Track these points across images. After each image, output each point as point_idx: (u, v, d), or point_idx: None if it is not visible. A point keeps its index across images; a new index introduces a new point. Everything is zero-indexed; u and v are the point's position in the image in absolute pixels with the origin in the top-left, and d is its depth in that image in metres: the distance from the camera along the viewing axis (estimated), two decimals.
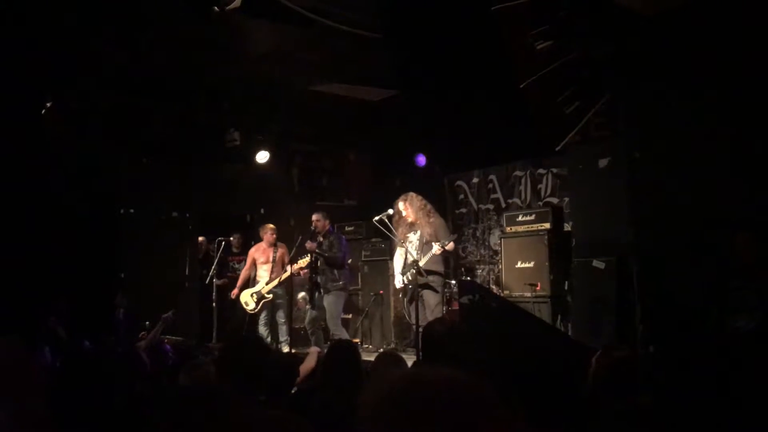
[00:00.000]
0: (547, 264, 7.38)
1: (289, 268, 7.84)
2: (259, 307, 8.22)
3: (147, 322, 6.52)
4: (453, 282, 7.96)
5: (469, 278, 8.72)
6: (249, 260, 8.45)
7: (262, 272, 8.32)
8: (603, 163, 6.72)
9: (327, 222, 7.83)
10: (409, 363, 4.42)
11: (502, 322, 5.13)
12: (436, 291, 6.73)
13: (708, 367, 3.99)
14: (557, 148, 7.09)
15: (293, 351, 7.19)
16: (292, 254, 7.78)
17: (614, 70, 6.41)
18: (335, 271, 7.70)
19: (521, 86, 6.59)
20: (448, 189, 9.88)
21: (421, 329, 6.19)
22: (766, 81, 5.34)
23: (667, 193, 6.00)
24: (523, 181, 8.90)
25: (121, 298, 7.49)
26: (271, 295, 8.17)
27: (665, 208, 5.99)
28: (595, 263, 6.59)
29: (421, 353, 4.80)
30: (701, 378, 3.57)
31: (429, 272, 6.68)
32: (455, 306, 7.42)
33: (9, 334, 2.12)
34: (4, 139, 7.00)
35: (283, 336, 8.08)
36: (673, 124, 6.01)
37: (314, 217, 7.77)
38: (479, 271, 9.19)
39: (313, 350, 5.22)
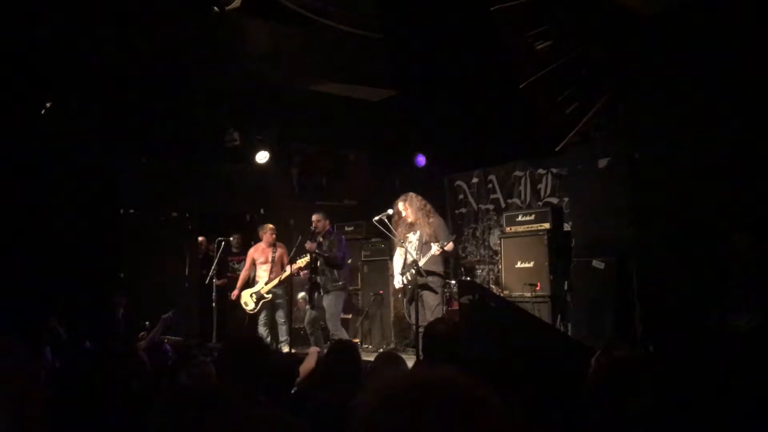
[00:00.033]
0: (546, 264, 7.38)
1: (288, 267, 7.84)
2: (258, 307, 8.22)
3: (147, 322, 6.53)
4: (453, 282, 7.96)
5: (468, 278, 8.72)
6: (248, 260, 8.46)
7: (261, 272, 8.32)
8: (603, 163, 6.72)
9: (327, 222, 7.83)
10: (409, 363, 4.43)
11: (502, 322, 5.13)
12: (435, 292, 6.72)
13: (708, 367, 3.99)
14: (557, 148, 7.09)
15: (293, 351, 7.19)
16: (291, 254, 7.78)
17: (614, 70, 6.42)
18: (335, 271, 7.70)
19: (521, 86, 6.60)
20: (447, 189, 9.89)
21: (420, 329, 6.22)
22: (766, 81, 5.34)
23: (666, 193, 6.01)
24: (522, 181, 8.91)
25: (120, 298, 7.49)
26: (270, 295, 8.17)
27: (665, 208, 6.00)
28: (595, 263, 6.59)
29: (422, 353, 4.80)
30: (701, 378, 3.57)
31: (428, 273, 6.67)
32: (455, 306, 7.42)
33: (10, 334, 2.12)
34: (4, 139, 7.00)
35: (283, 336, 8.08)
36: (673, 124, 6.02)
37: (314, 217, 7.77)
38: (479, 271, 9.19)
39: (313, 350, 5.22)
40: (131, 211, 8.59)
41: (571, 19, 6.28)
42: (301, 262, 7.80)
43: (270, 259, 8.26)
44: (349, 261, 8.28)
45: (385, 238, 7.79)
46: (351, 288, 8.64)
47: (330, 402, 2.95)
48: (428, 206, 7.00)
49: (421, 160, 9.51)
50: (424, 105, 8.35)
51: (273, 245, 8.31)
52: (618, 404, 2.35)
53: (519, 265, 7.69)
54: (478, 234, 9.43)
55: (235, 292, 8.36)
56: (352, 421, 1.02)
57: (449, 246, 6.70)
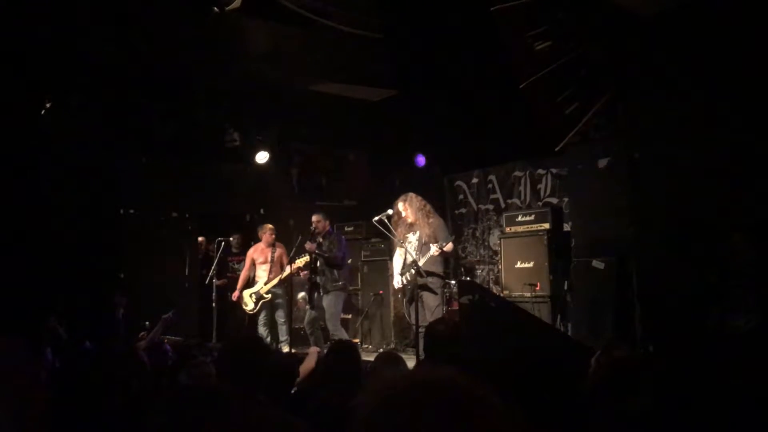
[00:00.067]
0: (546, 264, 7.38)
1: (287, 267, 7.84)
2: (257, 307, 8.22)
3: (147, 322, 6.52)
4: (453, 282, 7.96)
5: (468, 278, 8.72)
6: (248, 261, 8.45)
7: (260, 272, 8.32)
8: (602, 163, 6.72)
9: (327, 223, 7.83)
10: (409, 363, 4.43)
11: (502, 322, 5.13)
12: (434, 293, 6.70)
13: (707, 367, 3.99)
14: (557, 149, 7.09)
15: (293, 351, 7.19)
16: (291, 254, 7.78)
17: (614, 70, 6.42)
18: (335, 272, 7.69)
19: (521, 86, 6.60)
20: (447, 189, 9.88)
21: (421, 330, 6.22)
22: (766, 81, 5.34)
23: (666, 193, 6.01)
24: (522, 181, 8.90)
25: (120, 298, 7.49)
26: (269, 295, 8.17)
27: (665, 208, 6.00)
28: (595, 263, 6.59)
29: (423, 353, 4.81)
30: (701, 378, 3.57)
31: (428, 273, 6.67)
32: (455, 306, 7.42)
33: (10, 335, 2.12)
34: (4, 139, 7.00)
35: (283, 336, 8.08)
36: (673, 124, 6.02)
37: (314, 218, 7.77)
38: (479, 272, 9.19)
39: (313, 350, 5.22)
40: (131, 211, 8.59)
41: (571, 19, 6.28)
42: (300, 261, 7.80)
43: (269, 259, 8.26)
44: (349, 261, 8.28)
45: (385, 238, 7.79)
46: (351, 288, 8.64)
47: (330, 402, 2.95)
48: (428, 206, 7.00)
49: (421, 160, 9.51)
50: (424, 105, 8.35)
51: (272, 245, 8.31)
52: (618, 404, 2.35)
53: (519, 265, 7.69)
54: (477, 234, 9.43)
55: (236, 293, 8.36)
56: (352, 421, 1.02)
57: (448, 247, 6.69)
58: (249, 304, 8.25)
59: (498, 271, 8.31)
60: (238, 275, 8.67)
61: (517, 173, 8.96)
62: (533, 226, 7.77)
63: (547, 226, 7.63)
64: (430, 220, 6.89)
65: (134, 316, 7.31)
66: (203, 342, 7.67)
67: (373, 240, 9.10)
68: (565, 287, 7.20)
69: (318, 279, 7.75)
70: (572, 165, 7.27)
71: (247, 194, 9.72)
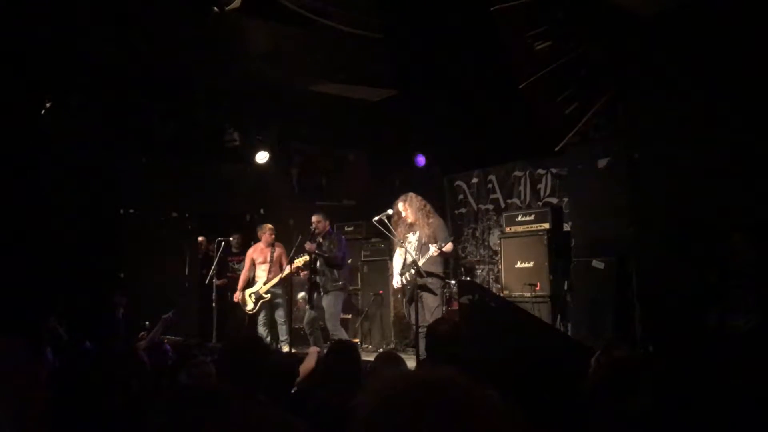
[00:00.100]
0: (546, 264, 7.38)
1: (286, 267, 7.84)
2: (257, 307, 8.22)
3: (147, 322, 6.52)
4: (453, 282, 7.96)
5: (468, 278, 8.72)
6: (248, 261, 8.44)
7: (260, 272, 8.32)
8: (602, 163, 6.72)
9: (327, 223, 7.83)
10: (409, 363, 4.43)
11: (502, 322, 5.13)
12: (434, 293, 6.68)
13: (707, 367, 3.99)
14: (556, 149, 7.09)
15: (293, 351, 7.19)
16: (291, 254, 7.78)
17: (614, 70, 6.42)
18: (335, 271, 7.69)
19: (521, 86, 6.60)
20: (447, 189, 9.88)
21: (420, 330, 6.22)
22: (766, 81, 5.34)
23: (666, 193, 6.01)
24: (522, 181, 8.90)
25: (120, 298, 7.49)
26: (269, 295, 8.17)
27: (665, 208, 6.00)
28: (595, 263, 6.60)
29: (424, 353, 4.81)
30: (700, 378, 3.57)
31: (427, 273, 6.66)
32: (455, 306, 7.42)
33: (11, 334, 2.12)
34: (4, 139, 7.00)
35: (283, 336, 8.08)
36: (673, 124, 6.02)
37: (314, 218, 7.76)
38: (479, 271, 9.19)
39: (313, 350, 5.22)
40: (131, 211, 8.59)
41: (571, 19, 6.28)
42: (299, 261, 7.79)
43: (268, 259, 8.26)
44: (349, 261, 8.28)
45: (385, 238, 7.79)
46: (351, 288, 8.63)
47: (330, 402, 2.95)
48: (428, 206, 6.98)
49: (421, 160, 9.52)
50: (424, 105, 8.35)
51: (272, 245, 8.31)
52: (618, 404, 2.35)
53: (519, 265, 7.69)
54: (477, 234, 9.43)
55: (237, 294, 8.36)
56: (352, 421, 1.02)
57: (447, 247, 6.66)
58: (248, 304, 8.25)
59: (498, 271, 8.31)
60: (238, 275, 8.67)
61: (517, 173, 8.96)
62: (533, 226, 7.77)
63: (547, 226, 7.63)
64: (430, 220, 6.88)
65: (134, 316, 7.31)
66: (203, 342, 7.69)
67: (373, 240, 9.10)
68: (565, 287, 7.20)
69: (318, 279, 7.75)
70: (572, 165, 7.27)
71: (247, 194, 9.73)
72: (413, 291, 6.53)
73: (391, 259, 8.13)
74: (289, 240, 8.32)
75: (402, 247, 6.88)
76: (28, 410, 1.90)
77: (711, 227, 5.48)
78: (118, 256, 8.19)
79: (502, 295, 7.54)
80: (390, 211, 6.81)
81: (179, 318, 5.72)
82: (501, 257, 7.98)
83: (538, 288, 7.32)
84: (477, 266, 9.20)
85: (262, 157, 9.06)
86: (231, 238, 9.32)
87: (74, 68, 7.10)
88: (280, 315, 8.20)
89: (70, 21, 6.37)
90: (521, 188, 8.91)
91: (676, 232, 5.76)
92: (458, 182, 9.77)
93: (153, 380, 3.27)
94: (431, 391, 1.00)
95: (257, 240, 8.52)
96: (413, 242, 6.85)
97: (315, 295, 7.78)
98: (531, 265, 7.55)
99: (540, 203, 8.55)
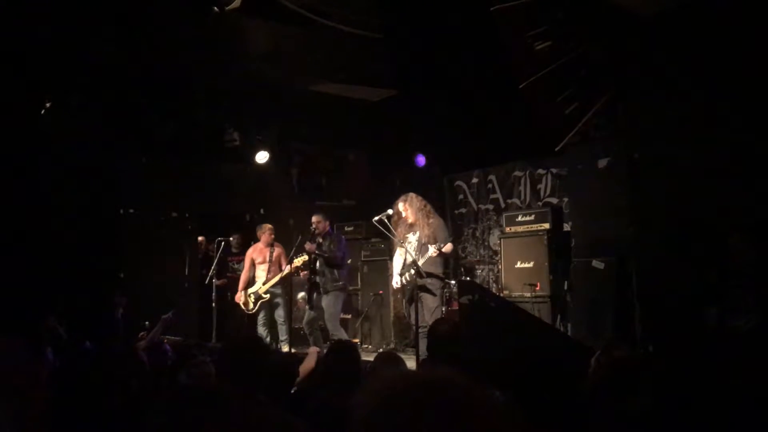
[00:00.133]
0: (546, 264, 7.38)
1: (284, 267, 7.84)
2: (256, 307, 8.22)
3: (147, 322, 6.52)
4: (453, 282, 7.96)
5: (468, 278, 8.72)
6: (247, 262, 8.42)
7: (259, 272, 8.31)
8: (602, 163, 6.72)
9: (327, 223, 7.83)
10: (409, 363, 4.43)
11: (502, 322, 5.13)
12: (433, 294, 6.67)
13: (707, 367, 3.99)
14: (557, 149, 7.09)
15: (293, 351, 7.19)
16: (290, 254, 7.78)
17: (614, 70, 6.42)
18: (335, 271, 7.69)
19: (521, 86, 6.59)
20: (447, 189, 9.88)
21: (420, 330, 6.22)
22: (766, 81, 5.34)
23: (666, 193, 6.01)
24: (522, 181, 8.90)
25: (119, 298, 7.49)
26: (268, 295, 8.16)
27: (665, 208, 6.00)
28: (595, 263, 6.59)
29: (425, 353, 4.80)
30: (700, 378, 3.57)
31: (427, 274, 6.65)
32: (455, 306, 7.42)
33: (11, 334, 2.12)
34: (4, 139, 7.00)
35: (283, 335, 8.08)
36: (673, 124, 6.02)
37: (314, 218, 7.76)
38: (479, 272, 9.18)
39: (313, 350, 5.22)
40: (131, 211, 8.59)
41: (571, 19, 6.27)
42: (298, 261, 7.78)
43: (267, 258, 8.25)
44: (349, 261, 8.28)
45: (385, 238, 7.79)
46: (351, 288, 8.63)
47: (330, 402, 2.95)
48: (428, 207, 6.98)
49: (421, 160, 9.52)
50: (424, 105, 8.35)
51: (271, 245, 8.31)
52: (618, 404, 2.35)
53: (519, 265, 7.69)
54: (477, 234, 9.43)
55: (239, 295, 8.35)
56: (352, 421, 1.02)
57: (447, 248, 6.62)
58: (248, 304, 8.25)
59: (498, 271, 8.31)
60: (238, 275, 8.66)
61: (517, 173, 8.96)
62: (533, 226, 7.77)
63: (547, 226, 7.63)
64: (430, 220, 6.87)
65: (134, 316, 7.31)
66: (203, 342, 7.68)
67: (373, 240, 9.10)
68: (565, 287, 7.19)
69: (317, 279, 7.75)
70: (572, 165, 7.27)
71: (247, 194, 9.72)
72: (413, 291, 6.53)
73: (391, 259, 8.12)
74: (289, 240, 8.32)
75: (402, 247, 6.87)
76: (28, 410, 1.90)
77: (711, 227, 5.48)
78: (118, 256, 8.19)
79: (502, 295, 7.54)
80: (390, 211, 6.81)
81: (179, 318, 5.71)
82: (501, 257, 7.98)
83: (538, 288, 7.32)
84: (477, 266, 9.20)
85: (262, 157, 9.06)
86: (231, 238, 9.32)
87: (74, 68, 7.10)
88: (279, 315, 8.20)
89: (70, 21, 6.37)
90: (521, 188, 8.90)
91: (676, 232, 5.76)
92: (458, 182, 9.77)
93: (152, 380, 3.27)
94: (431, 391, 1.00)
95: (257, 240, 8.51)
96: (413, 242, 6.84)
97: (314, 295, 7.78)
98: (531, 265, 7.55)
99: (540, 203, 8.55)
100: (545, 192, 8.62)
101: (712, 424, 2.72)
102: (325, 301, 7.65)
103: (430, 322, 6.11)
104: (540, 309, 7.17)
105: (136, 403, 2.31)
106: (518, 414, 1.03)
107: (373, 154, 10.44)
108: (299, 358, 4.70)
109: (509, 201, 9.01)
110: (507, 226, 8.13)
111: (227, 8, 6.11)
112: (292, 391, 3.72)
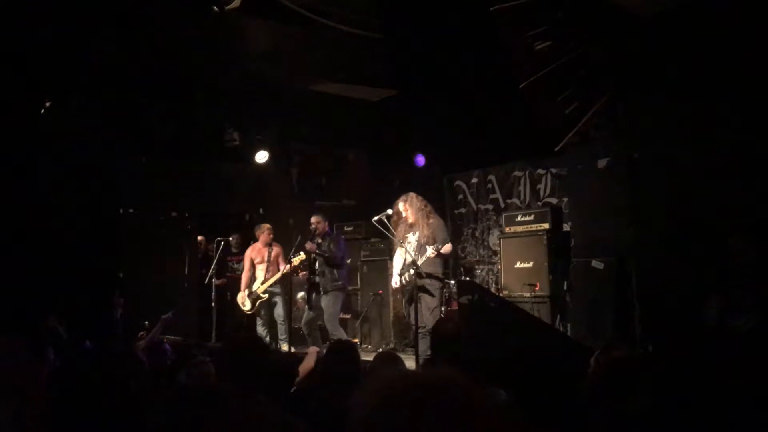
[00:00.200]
0: (546, 264, 7.38)
1: (282, 267, 7.85)
2: (255, 308, 8.22)
3: (146, 322, 6.52)
4: (452, 282, 7.95)
5: (468, 278, 8.72)
6: (247, 262, 8.41)
7: (258, 272, 8.31)
8: (602, 163, 6.72)
9: (326, 224, 7.84)
10: (408, 363, 4.43)
11: (502, 322, 5.13)
12: (432, 294, 6.67)
13: (706, 367, 3.99)
14: (556, 149, 7.09)
15: (292, 350, 7.19)
16: (290, 253, 7.77)
17: (614, 70, 6.42)
18: (335, 271, 7.69)
19: (521, 86, 6.59)
20: (447, 189, 9.88)
21: (420, 330, 6.22)
22: (766, 81, 5.34)
23: (666, 193, 6.01)
24: (522, 181, 8.90)
25: (117, 298, 7.49)
26: (266, 295, 8.17)
27: (665, 208, 6.00)
28: (594, 263, 6.59)
29: (428, 352, 4.80)
30: (700, 378, 3.57)
31: (426, 274, 6.64)
32: (455, 306, 7.41)
33: (11, 334, 2.12)
34: (4, 139, 7.00)
35: (282, 335, 8.08)
36: (673, 124, 6.02)
37: (313, 219, 7.77)
38: (478, 272, 9.18)
39: (313, 350, 5.21)
40: (131, 211, 8.59)
41: (571, 19, 6.27)
42: (296, 260, 7.77)
43: (266, 258, 8.25)
44: (349, 261, 8.28)
45: (385, 238, 7.78)
46: (350, 288, 8.63)
47: (329, 402, 2.95)
48: (428, 207, 6.97)
49: (420, 160, 9.52)
50: (424, 105, 8.35)
51: (269, 245, 8.30)
52: (617, 404, 2.35)
53: (518, 265, 7.69)
54: (477, 234, 9.42)
55: (241, 295, 8.35)
56: (351, 421, 1.02)
57: (445, 249, 6.60)
58: (246, 304, 8.25)
59: (497, 271, 8.31)
60: (238, 275, 8.66)
61: (517, 173, 8.96)
62: (533, 226, 7.77)
63: (546, 226, 7.63)
64: (430, 220, 6.86)
65: (134, 316, 7.31)
66: (202, 342, 7.68)
67: (372, 240, 9.10)
68: (565, 287, 7.20)
69: (317, 279, 7.75)
70: (572, 165, 7.27)
71: (246, 194, 9.73)
72: (413, 291, 6.53)
73: (390, 259, 8.12)
74: (288, 240, 8.32)
75: (402, 247, 6.87)
76: (28, 410, 1.90)
77: (711, 227, 5.47)
78: (117, 256, 8.19)
79: (501, 295, 7.54)
80: (390, 211, 6.80)
81: (178, 318, 5.72)
82: (500, 257, 7.98)
83: (537, 288, 7.32)
84: (476, 266, 9.20)
85: (261, 156, 9.06)
86: (230, 238, 9.32)
87: (74, 68, 7.10)
88: (279, 314, 8.20)
89: (70, 21, 6.37)
90: (521, 188, 8.90)
91: (676, 232, 5.76)
92: (458, 182, 9.76)
93: (152, 380, 3.27)
94: (431, 390, 1.00)
95: (256, 240, 8.52)
96: (413, 242, 6.84)
97: (314, 295, 7.78)
98: (530, 265, 7.55)
99: (540, 203, 8.55)
100: (545, 192, 8.61)
101: (712, 424, 2.73)
102: (325, 301, 7.65)
103: (430, 323, 6.11)
104: (539, 309, 7.17)
105: (135, 403, 2.31)
106: (518, 414, 1.03)
107: (373, 154, 10.44)
108: (299, 358, 4.70)
109: (509, 201, 9.01)
110: (506, 226, 8.13)
111: (227, 8, 6.11)
112: (292, 391, 3.72)
